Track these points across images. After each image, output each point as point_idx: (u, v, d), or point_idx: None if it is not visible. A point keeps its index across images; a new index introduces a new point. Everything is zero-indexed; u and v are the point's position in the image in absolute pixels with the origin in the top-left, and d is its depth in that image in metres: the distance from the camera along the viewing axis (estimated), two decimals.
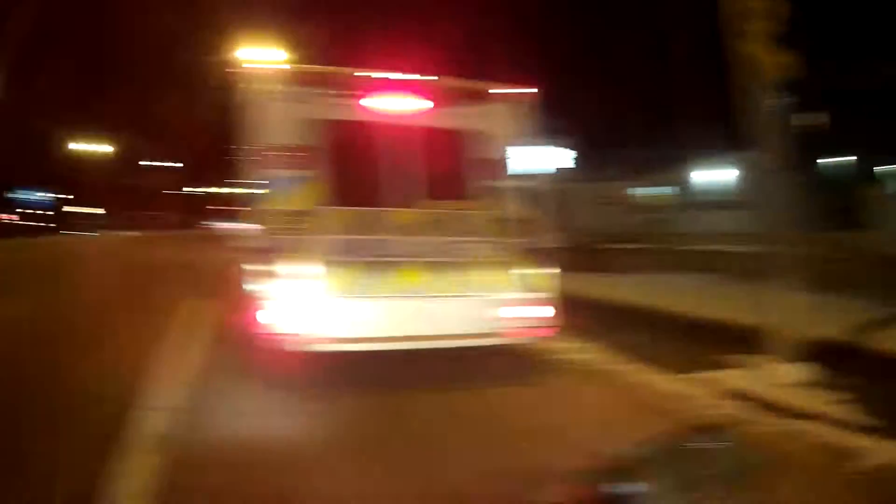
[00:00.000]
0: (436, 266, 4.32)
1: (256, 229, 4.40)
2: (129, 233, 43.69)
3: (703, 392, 4.12)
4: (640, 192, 17.22)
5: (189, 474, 2.81)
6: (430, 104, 4.55)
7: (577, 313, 7.20)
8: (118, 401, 3.72)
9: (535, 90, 4.75)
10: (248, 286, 4.97)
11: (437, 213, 4.46)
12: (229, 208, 25.18)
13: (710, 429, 1.10)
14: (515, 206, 4.59)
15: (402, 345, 4.25)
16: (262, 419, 3.78)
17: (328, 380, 4.20)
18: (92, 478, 2.69)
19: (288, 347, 4.09)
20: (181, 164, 50.73)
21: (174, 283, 11.90)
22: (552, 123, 23.41)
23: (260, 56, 14.68)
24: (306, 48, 15.48)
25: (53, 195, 46.20)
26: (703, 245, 13.68)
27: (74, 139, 38.47)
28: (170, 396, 3.96)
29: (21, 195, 43.47)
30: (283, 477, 2.88)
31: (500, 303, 4.38)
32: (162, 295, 9.73)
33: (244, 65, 4.62)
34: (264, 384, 4.29)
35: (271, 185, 4.27)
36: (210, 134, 26.05)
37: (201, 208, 59.93)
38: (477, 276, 4.38)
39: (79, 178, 40.30)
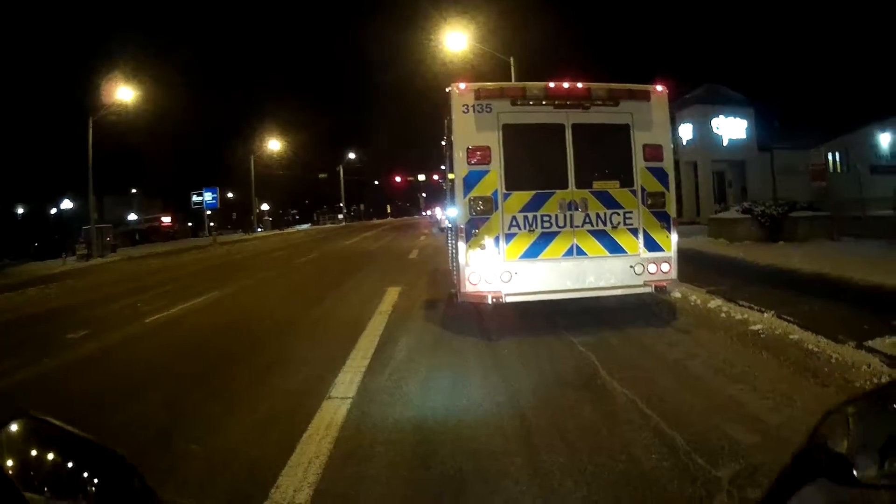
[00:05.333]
0: (588, 234, 5.63)
1: (459, 212, 5.67)
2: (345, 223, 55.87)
3: (872, 359, 4.01)
4: (820, 157, 16.16)
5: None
6: (588, 104, 5.68)
7: (753, 282, 7.53)
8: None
9: (666, 88, 5.84)
10: (452, 258, 6.58)
11: (590, 191, 5.65)
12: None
13: None
14: (651, 183, 5.71)
15: (564, 295, 5.64)
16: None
17: (515, 326, 5.70)
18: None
19: (485, 302, 5.52)
20: None
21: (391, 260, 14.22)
22: (730, 97, 21.75)
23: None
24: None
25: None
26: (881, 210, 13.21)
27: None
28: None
29: None
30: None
31: (636, 260, 5.66)
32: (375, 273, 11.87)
33: (451, 84, 5.76)
34: (469, 332, 5.73)
35: (468, 178, 5.59)
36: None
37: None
38: (619, 240, 5.64)
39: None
